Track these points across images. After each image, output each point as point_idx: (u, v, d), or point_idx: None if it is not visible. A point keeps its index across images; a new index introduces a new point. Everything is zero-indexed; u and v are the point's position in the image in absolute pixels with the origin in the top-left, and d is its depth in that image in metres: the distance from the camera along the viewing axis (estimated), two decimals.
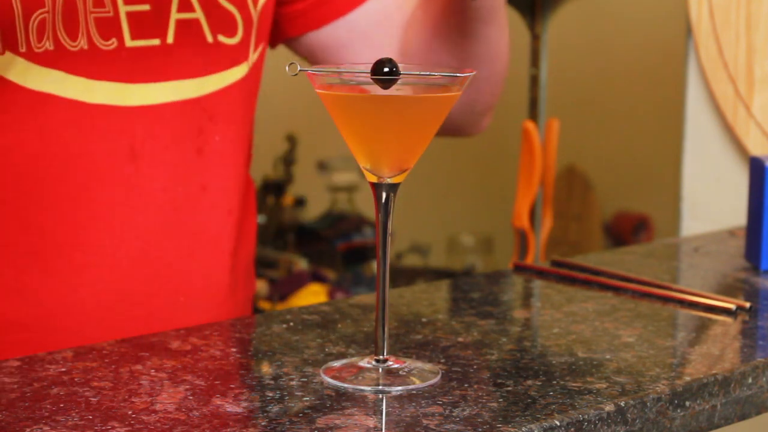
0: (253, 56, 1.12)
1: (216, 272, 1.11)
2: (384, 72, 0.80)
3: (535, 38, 2.15)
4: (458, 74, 0.82)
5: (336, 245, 3.05)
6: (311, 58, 1.21)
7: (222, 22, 1.08)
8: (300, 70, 0.82)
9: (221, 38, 1.08)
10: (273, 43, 1.21)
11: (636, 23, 3.02)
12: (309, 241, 3.09)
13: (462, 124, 1.22)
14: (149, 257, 1.06)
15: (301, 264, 2.96)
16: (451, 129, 1.22)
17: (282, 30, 1.19)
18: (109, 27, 1.02)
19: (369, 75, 0.80)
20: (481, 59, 1.12)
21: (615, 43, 3.06)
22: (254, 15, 1.11)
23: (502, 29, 1.12)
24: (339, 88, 0.83)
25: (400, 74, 0.80)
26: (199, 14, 1.07)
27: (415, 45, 1.14)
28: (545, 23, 2.15)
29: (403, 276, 3.04)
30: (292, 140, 3.14)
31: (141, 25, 1.03)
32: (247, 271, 1.17)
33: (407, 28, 1.17)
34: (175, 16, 1.05)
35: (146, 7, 1.03)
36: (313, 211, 3.20)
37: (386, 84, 0.80)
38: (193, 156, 1.08)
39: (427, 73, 0.86)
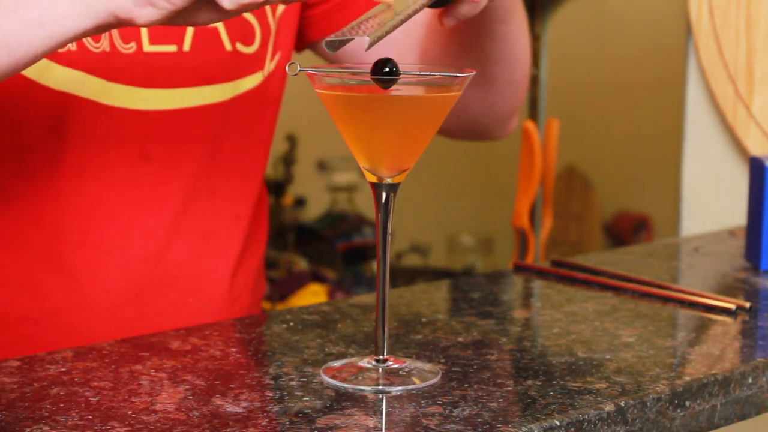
0: (269, 65, 1.12)
1: (222, 276, 1.11)
2: (384, 72, 0.80)
3: (535, 38, 2.15)
4: (458, 74, 0.82)
5: (336, 245, 3.05)
6: (336, 62, 1.20)
7: (240, 31, 1.09)
8: (300, 70, 0.82)
9: (239, 46, 1.09)
10: (298, 47, 1.21)
11: (636, 23, 3.01)
12: (309, 241, 3.09)
13: (487, 127, 1.21)
14: (159, 258, 1.07)
15: (301, 264, 2.96)
16: (477, 132, 1.22)
17: (304, 34, 1.19)
18: (129, 31, 1.03)
19: (369, 75, 0.80)
20: (501, 60, 1.11)
21: (615, 43, 3.06)
22: (272, 24, 1.12)
23: (520, 28, 1.10)
24: (339, 88, 0.83)
25: (400, 74, 0.80)
26: (218, 22, 1.07)
27: (435, 49, 1.13)
28: (545, 23, 2.15)
29: (403, 276, 3.04)
30: (292, 140, 3.14)
31: (159, 31, 1.04)
32: (256, 274, 1.17)
33: (426, 32, 1.16)
34: None
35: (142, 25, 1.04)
36: (313, 211, 3.20)
37: (386, 84, 0.80)
38: (205, 161, 1.08)
39: (427, 73, 0.86)
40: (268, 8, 1.11)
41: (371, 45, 0.85)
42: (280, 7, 1.13)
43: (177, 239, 1.07)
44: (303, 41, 1.20)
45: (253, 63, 1.10)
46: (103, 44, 1.02)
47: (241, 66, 1.09)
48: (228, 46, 1.08)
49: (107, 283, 1.05)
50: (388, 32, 0.86)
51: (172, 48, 1.05)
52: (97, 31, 0.86)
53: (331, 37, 0.86)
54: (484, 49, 1.09)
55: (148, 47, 1.04)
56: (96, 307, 1.05)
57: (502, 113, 1.18)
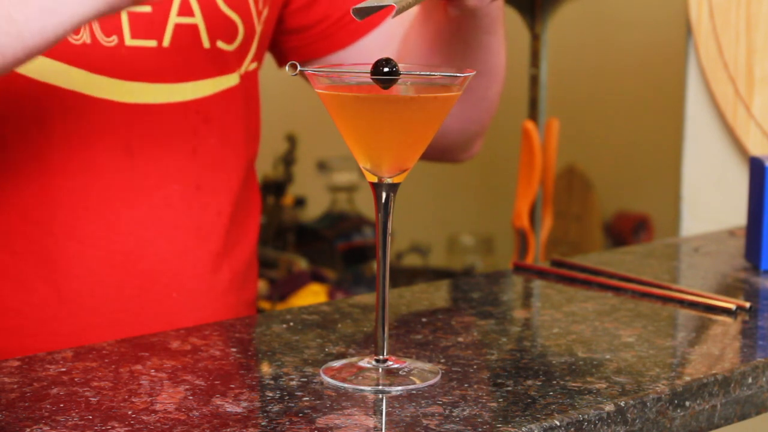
0: (248, 66, 1.13)
1: (203, 271, 1.11)
2: (384, 72, 0.80)
3: (535, 38, 2.15)
4: (458, 74, 0.83)
5: (336, 245, 3.05)
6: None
7: (222, 29, 1.09)
8: (300, 70, 0.82)
9: (220, 44, 1.09)
10: (279, 65, 1.23)
11: (636, 23, 3.01)
12: (309, 241, 3.09)
13: (454, 146, 1.22)
14: (142, 253, 1.07)
15: (301, 264, 2.96)
16: (443, 152, 1.23)
17: (285, 56, 1.21)
18: (110, 24, 1.03)
19: (369, 75, 0.81)
20: (481, 73, 1.12)
21: (615, 43, 3.06)
22: (258, 27, 1.12)
23: (501, 42, 1.12)
24: (339, 88, 0.83)
25: (400, 74, 0.80)
26: (198, 20, 1.08)
27: (414, 60, 1.14)
28: (545, 23, 2.15)
29: (403, 276, 3.04)
30: (292, 140, 3.14)
31: (140, 26, 1.04)
32: (243, 274, 1.17)
33: (402, 46, 1.17)
34: (174, 19, 1.06)
35: (147, 9, 1.04)
36: (313, 211, 3.20)
37: (386, 84, 0.80)
38: (187, 156, 1.09)
39: (427, 73, 0.86)
40: (254, 11, 1.12)
41: (398, 13, 0.85)
42: (265, 12, 1.13)
43: (160, 234, 1.08)
44: (284, 61, 1.22)
45: (234, 61, 1.11)
46: (84, 36, 1.02)
47: (221, 64, 1.10)
48: (206, 44, 1.09)
49: (91, 276, 1.05)
50: (414, 2, 0.87)
51: (152, 43, 1.05)
52: (110, 12, 0.88)
53: (359, 6, 0.86)
54: (466, 59, 1.10)
55: (129, 41, 1.04)
56: (79, 299, 1.05)
57: (472, 131, 1.20)
